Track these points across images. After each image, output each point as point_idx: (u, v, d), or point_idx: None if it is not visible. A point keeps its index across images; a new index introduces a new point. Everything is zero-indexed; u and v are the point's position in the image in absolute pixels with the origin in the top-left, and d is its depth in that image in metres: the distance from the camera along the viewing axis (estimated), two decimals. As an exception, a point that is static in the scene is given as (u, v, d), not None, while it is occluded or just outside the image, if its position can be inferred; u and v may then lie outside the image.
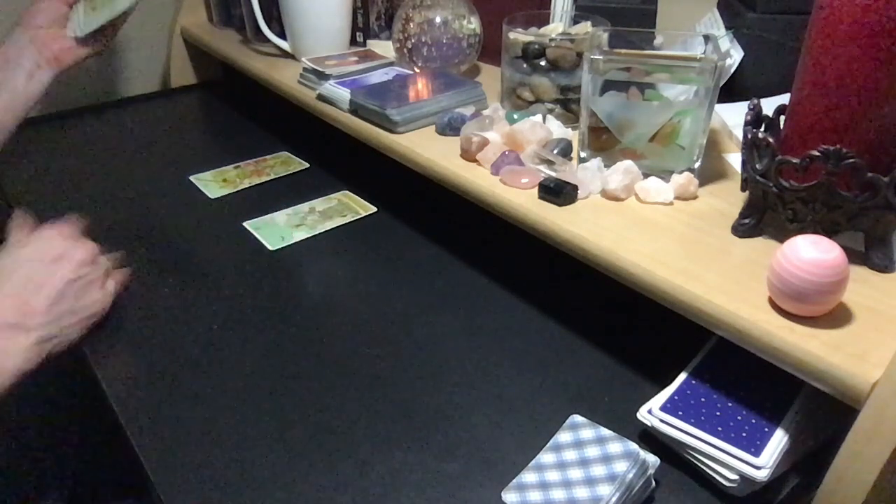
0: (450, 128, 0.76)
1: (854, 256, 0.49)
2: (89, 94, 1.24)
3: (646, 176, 0.63)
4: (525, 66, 0.77)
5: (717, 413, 0.51)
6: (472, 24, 0.92)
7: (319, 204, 0.90)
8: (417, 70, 0.92)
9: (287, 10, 1.01)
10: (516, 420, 0.57)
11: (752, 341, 0.47)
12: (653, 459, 0.50)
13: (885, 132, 0.48)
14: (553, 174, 0.64)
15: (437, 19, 0.90)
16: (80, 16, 0.85)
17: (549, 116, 0.75)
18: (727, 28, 0.78)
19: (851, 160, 0.47)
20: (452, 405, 0.58)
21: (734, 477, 0.48)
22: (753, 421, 0.50)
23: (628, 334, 0.66)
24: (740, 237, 0.56)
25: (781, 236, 0.52)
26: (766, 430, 0.49)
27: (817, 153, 0.48)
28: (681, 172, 0.62)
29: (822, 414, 0.51)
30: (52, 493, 0.74)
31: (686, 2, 0.87)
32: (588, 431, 0.51)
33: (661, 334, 0.64)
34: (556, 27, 0.79)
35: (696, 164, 0.63)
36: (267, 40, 1.06)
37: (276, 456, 0.54)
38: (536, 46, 0.75)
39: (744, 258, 0.53)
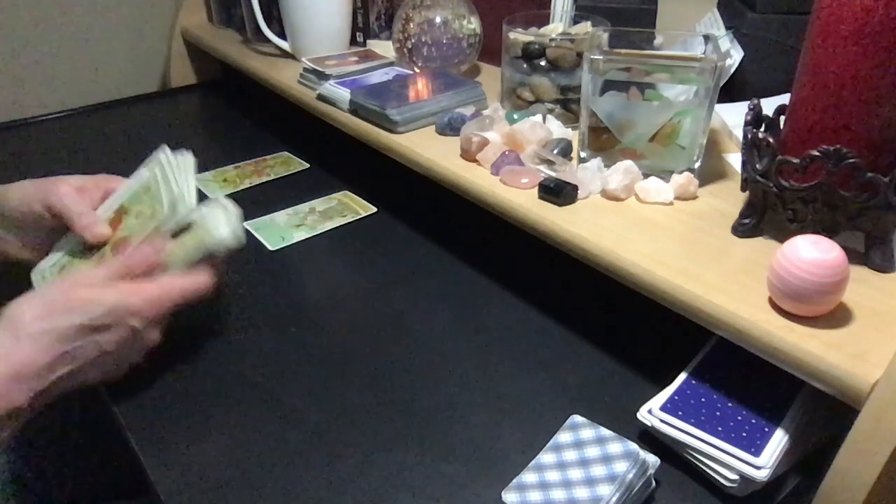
0: (450, 128, 0.76)
1: (854, 256, 0.49)
2: (89, 94, 1.24)
3: (646, 176, 0.63)
4: (525, 66, 0.77)
5: (717, 413, 0.51)
6: (472, 24, 0.92)
7: (319, 204, 0.90)
8: (417, 70, 0.92)
9: (287, 10, 1.01)
10: (516, 420, 0.57)
11: (752, 341, 0.47)
12: (653, 459, 0.49)
13: (885, 132, 0.48)
14: (553, 174, 0.64)
15: (437, 19, 0.90)
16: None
17: (549, 116, 0.75)
18: (727, 28, 0.78)
19: (851, 160, 0.47)
20: (452, 405, 0.58)
21: (734, 477, 0.48)
22: (753, 421, 0.50)
23: (628, 334, 0.66)
24: (740, 237, 0.56)
25: (781, 236, 0.52)
26: (766, 430, 0.49)
27: (817, 153, 0.48)
28: (681, 172, 0.62)
29: (822, 414, 0.51)
30: (52, 494, 0.74)
31: (686, 2, 0.87)
32: (588, 431, 0.51)
33: (661, 334, 0.64)
34: (556, 27, 0.79)
35: (696, 164, 0.63)
36: (267, 40, 1.07)
37: (276, 456, 0.54)
38: (536, 46, 0.75)
39: (744, 258, 0.53)
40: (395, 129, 0.77)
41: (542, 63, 0.76)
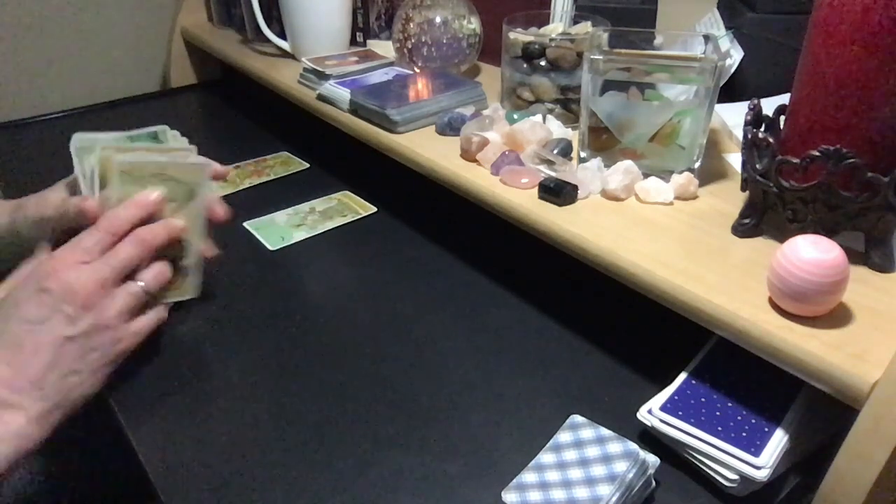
0: (450, 128, 0.76)
1: (854, 256, 0.49)
2: (89, 94, 1.24)
3: (646, 176, 0.63)
4: (525, 66, 0.77)
5: (717, 413, 0.51)
6: (472, 24, 0.92)
7: (319, 204, 0.90)
8: (417, 70, 0.92)
9: (287, 10, 1.01)
10: (516, 420, 0.57)
11: (752, 341, 0.47)
12: (653, 459, 0.49)
13: (885, 132, 0.48)
14: (553, 174, 0.64)
15: (437, 19, 0.90)
16: None
17: (549, 116, 0.75)
18: (727, 28, 0.78)
19: (851, 160, 0.47)
20: (452, 405, 0.58)
21: (734, 477, 0.48)
22: (753, 421, 0.50)
23: (628, 334, 0.66)
24: (740, 237, 0.56)
25: (781, 236, 0.52)
26: (766, 430, 0.49)
27: (817, 153, 0.48)
28: (681, 172, 0.62)
29: (822, 414, 0.51)
30: (52, 494, 0.74)
31: (686, 2, 0.87)
32: (588, 431, 0.51)
33: (661, 334, 0.64)
34: (556, 27, 0.79)
35: (696, 164, 0.63)
36: (267, 40, 1.07)
37: (276, 456, 0.54)
38: (536, 46, 0.75)
39: (744, 258, 0.53)
40: (395, 129, 0.77)
41: (542, 63, 0.76)
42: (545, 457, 0.51)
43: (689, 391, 0.53)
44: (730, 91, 0.76)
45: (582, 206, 0.62)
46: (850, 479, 0.42)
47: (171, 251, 0.61)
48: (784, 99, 0.55)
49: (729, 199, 0.61)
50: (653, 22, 0.82)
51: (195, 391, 0.60)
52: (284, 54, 1.07)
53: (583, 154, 0.67)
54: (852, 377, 0.42)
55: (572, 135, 0.72)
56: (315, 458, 0.53)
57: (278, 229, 0.84)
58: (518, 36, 0.76)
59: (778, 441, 0.48)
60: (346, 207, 0.89)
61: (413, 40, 0.91)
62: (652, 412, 0.52)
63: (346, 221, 0.86)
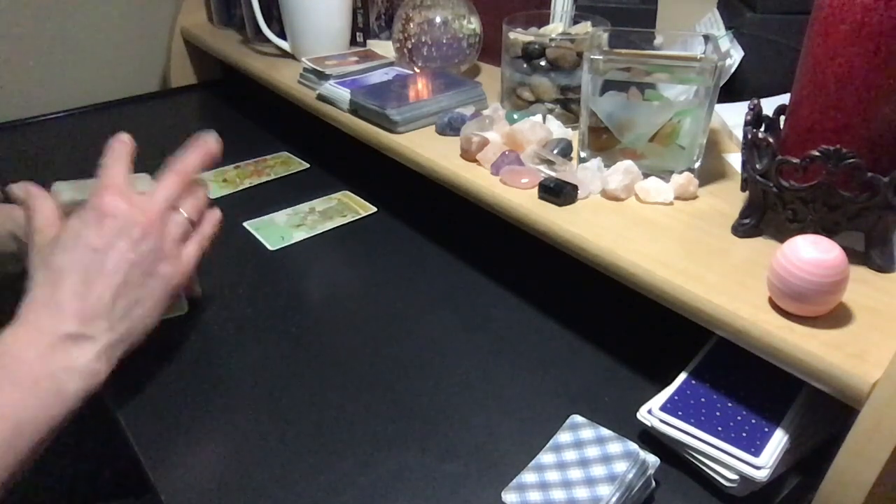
0: (450, 128, 0.76)
1: (854, 256, 0.49)
2: (90, 94, 1.24)
3: (646, 176, 0.63)
4: (525, 66, 0.77)
5: (717, 413, 0.51)
6: (472, 24, 0.92)
7: (319, 204, 0.90)
8: (417, 70, 0.92)
9: (287, 10, 1.01)
10: (516, 420, 0.57)
11: (752, 341, 0.47)
12: (653, 459, 0.50)
13: (885, 132, 0.48)
14: (553, 174, 0.64)
15: (437, 19, 0.90)
16: None
17: (549, 116, 0.75)
18: (727, 28, 0.78)
19: (851, 160, 0.47)
20: (452, 405, 0.58)
21: (734, 477, 0.48)
22: (753, 421, 0.50)
23: (628, 334, 0.66)
24: (740, 237, 0.56)
25: (781, 236, 0.52)
26: (766, 430, 0.49)
27: (817, 153, 0.48)
28: (681, 172, 0.62)
29: (822, 414, 0.51)
30: (52, 493, 0.74)
31: (686, 2, 0.87)
32: (588, 431, 0.51)
33: (661, 334, 0.64)
34: (556, 27, 0.79)
35: (696, 164, 0.63)
36: (267, 40, 1.07)
37: (275, 456, 0.54)
38: (536, 46, 0.75)
39: (744, 258, 0.53)
40: (395, 129, 0.77)
41: (542, 63, 0.76)
42: (545, 457, 0.51)
43: (689, 391, 0.53)
44: (730, 91, 0.76)
45: (582, 206, 0.62)
46: (850, 479, 0.42)
47: None
48: (784, 99, 0.55)
49: (729, 199, 0.61)
50: (653, 22, 0.82)
51: (195, 391, 0.60)
52: (284, 54, 1.07)
53: (583, 154, 0.67)
54: (852, 377, 0.42)
55: (572, 135, 0.72)
56: (315, 458, 0.53)
57: (278, 229, 0.84)
58: (518, 36, 0.76)
59: (778, 441, 0.48)
60: (345, 207, 0.89)
61: (413, 40, 0.91)
62: (652, 412, 0.52)
63: (345, 221, 0.86)
